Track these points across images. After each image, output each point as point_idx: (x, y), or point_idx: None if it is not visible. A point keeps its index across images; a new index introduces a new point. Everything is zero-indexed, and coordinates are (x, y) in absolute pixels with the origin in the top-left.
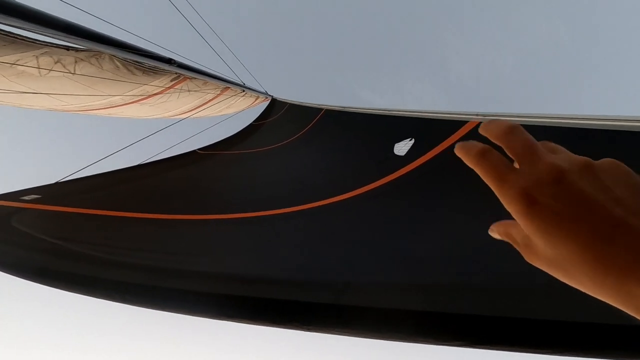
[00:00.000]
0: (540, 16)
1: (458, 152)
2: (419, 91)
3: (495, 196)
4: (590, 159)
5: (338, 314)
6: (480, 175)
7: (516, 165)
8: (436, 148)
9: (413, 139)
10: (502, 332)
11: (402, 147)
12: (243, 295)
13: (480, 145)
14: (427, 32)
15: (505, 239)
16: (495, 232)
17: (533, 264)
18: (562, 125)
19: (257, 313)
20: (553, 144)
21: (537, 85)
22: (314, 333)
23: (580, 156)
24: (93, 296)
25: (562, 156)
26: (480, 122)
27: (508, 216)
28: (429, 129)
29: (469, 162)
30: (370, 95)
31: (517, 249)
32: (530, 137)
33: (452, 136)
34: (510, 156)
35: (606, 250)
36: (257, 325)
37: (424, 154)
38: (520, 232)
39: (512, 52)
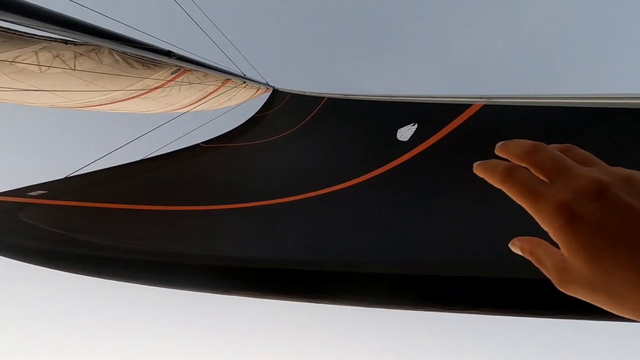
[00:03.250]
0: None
1: (479, 172)
2: (420, 79)
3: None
4: (629, 170)
5: (340, 281)
6: (510, 195)
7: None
8: (439, 132)
9: (416, 124)
10: (507, 295)
11: (405, 133)
12: (247, 267)
13: (503, 163)
14: (428, 18)
15: (529, 258)
16: (517, 248)
17: (566, 291)
18: (570, 105)
19: (261, 283)
20: (582, 152)
21: (539, 69)
22: (317, 303)
23: (617, 167)
24: (100, 276)
25: (597, 168)
26: (485, 105)
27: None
28: (432, 114)
29: (494, 182)
30: (371, 85)
31: (545, 272)
32: (558, 152)
33: (456, 120)
34: (539, 174)
35: None
36: (260, 297)
37: (427, 139)
38: (551, 254)
39: (514, 36)
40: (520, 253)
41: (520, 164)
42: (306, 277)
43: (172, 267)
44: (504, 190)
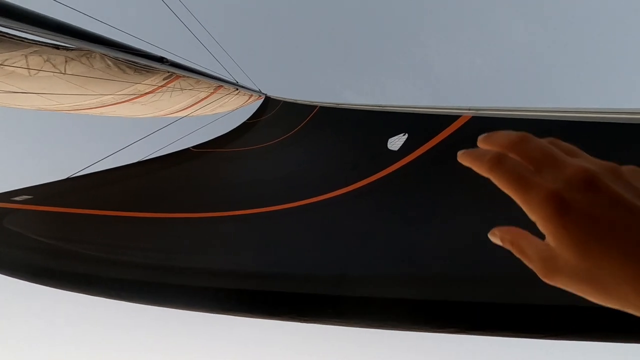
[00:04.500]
0: (518, 17)
1: (464, 160)
2: (401, 91)
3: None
4: (612, 163)
5: (333, 304)
6: (498, 184)
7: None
8: (429, 142)
9: (406, 134)
10: (497, 318)
11: (395, 142)
12: (239, 288)
13: (493, 150)
14: (409, 32)
15: (510, 249)
16: (497, 238)
17: (551, 281)
18: (557, 118)
19: (254, 305)
20: (567, 144)
21: (518, 84)
22: (311, 324)
23: (601, 160)
24: (89, 294)
25: (584, 159)
26: (473, 117)
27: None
28: (422, 124)
29: (481, 171)
30: (352, 95)
31: (527, 262)
32: (546, 142)
33: (445, 130)
34: (528, 164)
35: None
36: (254, 318)
37: (417, 149)
38: (534, 245)
39: (490, 52)
40: (500, 244)
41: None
42: (298, 300)
43: (160, 288)
44: (492, 179)
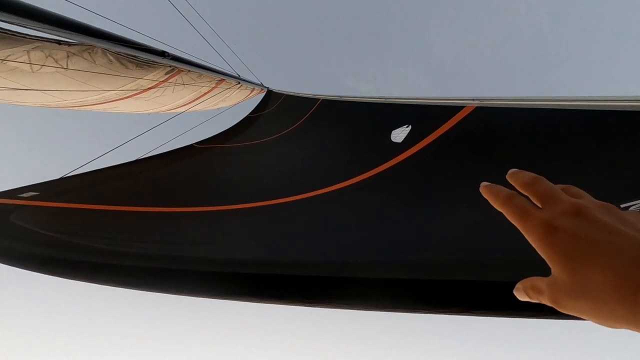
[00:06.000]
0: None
1: (484, 192)
2: (403, 77)
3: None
4: (612, 204)
5: (336, 286)
6: (507, 215)
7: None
8: (433, 134)
9: (410, 126)
10: (499, 297)
11: (399, 134)
12: (243, 272)
13: (507, 190)
14: (410, 17)
15: (531, 293)
16: (520, 290)
17: (560, 306)
18: (562, 107)
19: (257, 289)
20: (577, 189)
21: (522, 70)
22: (314, 307)
23: (603, 202)
24: (95, 282)
25: (587, 199)
26: (477, 107)
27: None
28: (426, 115)
29: (496, 204)
30: (355, 83)
31: (543, 298)
32: (552, 184)
33: (449, 121)
34: (535, 201)
35: (634, 270)
36: (256, 302)
37: (421, 140)
38: (544, 279)
39: (494, 36)
40: (525, 297)
41: (522, 191)
42: (302, 283)
43: (166, 274)
44: (503, 211)
